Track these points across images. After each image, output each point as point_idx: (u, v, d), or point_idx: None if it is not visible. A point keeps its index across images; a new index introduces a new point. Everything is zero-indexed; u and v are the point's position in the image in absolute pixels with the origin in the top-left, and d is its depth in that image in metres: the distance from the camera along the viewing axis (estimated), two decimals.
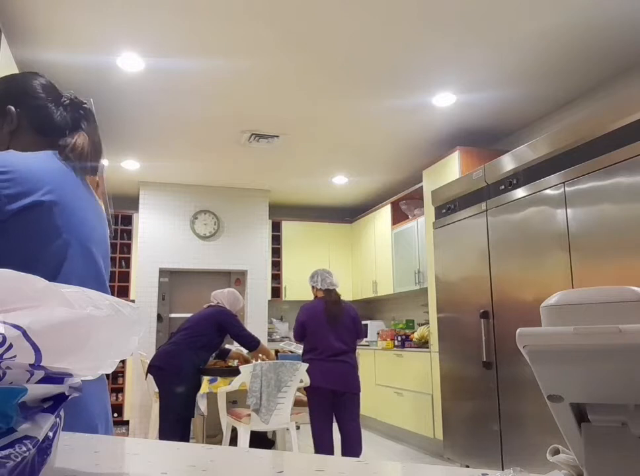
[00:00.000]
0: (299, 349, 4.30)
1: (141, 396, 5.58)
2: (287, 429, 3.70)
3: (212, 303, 4.09)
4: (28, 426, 0.38)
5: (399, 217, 5.98)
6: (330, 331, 3.68)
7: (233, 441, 3.75)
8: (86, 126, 1.16)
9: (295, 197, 6.79)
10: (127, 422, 5.68)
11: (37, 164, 1.00)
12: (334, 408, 3.69)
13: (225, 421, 3.68)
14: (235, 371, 3.63)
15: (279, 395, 3.52)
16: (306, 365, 3.64)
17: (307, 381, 3.65)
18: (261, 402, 3.45)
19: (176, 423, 3.62)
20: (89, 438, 0.64)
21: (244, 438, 3.43)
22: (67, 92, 1.20)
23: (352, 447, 3.63)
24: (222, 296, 4.11)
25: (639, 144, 2.54)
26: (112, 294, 0.64)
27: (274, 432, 4.26)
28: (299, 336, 3.84)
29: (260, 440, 4.08)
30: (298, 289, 6.61)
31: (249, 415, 3.46)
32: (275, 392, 3.51)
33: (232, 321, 3.92)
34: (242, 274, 6.38)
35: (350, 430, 3.65)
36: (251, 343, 3.90)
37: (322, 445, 3.61)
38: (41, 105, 1.14)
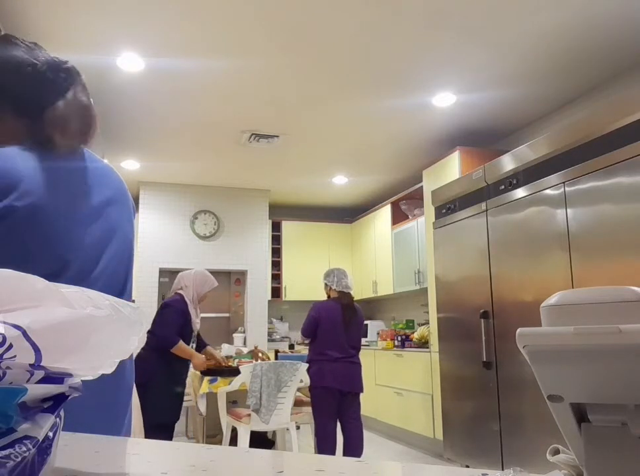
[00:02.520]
0: None
1: None
2: (287, 429, 3.70)
3: (175, 291, 3.57)
4: (28, 426, 0.38)
5: (399, 217, 5.98)
6: (344, 335, 3.66)
7: (233, 441, 3.75)
8: (72, 91, 0.97)
9: (295, 197, 6.79)
10: None
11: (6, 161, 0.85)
12: (338, 408, 3.70)
13: (225, 421, 3.68)
14: (235, 371, 3.62)
15: (279, 395, 3.52)
16: (306, 365, 3.64)
17: (307, 381, 3.65)
18: (261, 402, 3.45)
19: (158, 429, 3.37)
20: (89, 438, 0.64)
21: (244, 438, 3.43)
22: (41, 52, 0.98)
23: (354, 447, 3.63)
24: (188, 279, 3.56)
25: (639, 144, 2.54)
26: None
27: (274, 432, 4.26)
28: (310, 333, 3.70)
29: (260, 440, 4.08)
30: (298, 289, 6.61)
31: (249, 415, 3.46)
32: (275, 392, 3.51)
33: (158, 315, 3.45)
34: (242, 274, 6.38)
35: (352, 429, 3.65)
36: (163, 345, 3.36)
37: (327, 445, 3.60)
38: (15, 78, 0.92)
